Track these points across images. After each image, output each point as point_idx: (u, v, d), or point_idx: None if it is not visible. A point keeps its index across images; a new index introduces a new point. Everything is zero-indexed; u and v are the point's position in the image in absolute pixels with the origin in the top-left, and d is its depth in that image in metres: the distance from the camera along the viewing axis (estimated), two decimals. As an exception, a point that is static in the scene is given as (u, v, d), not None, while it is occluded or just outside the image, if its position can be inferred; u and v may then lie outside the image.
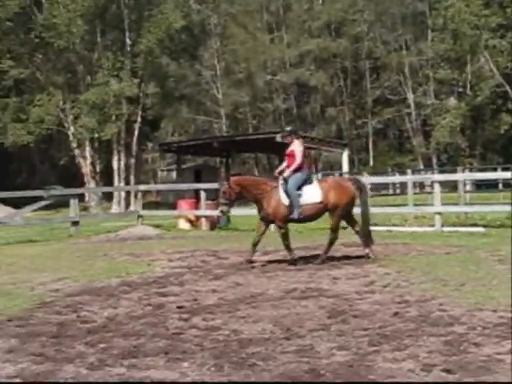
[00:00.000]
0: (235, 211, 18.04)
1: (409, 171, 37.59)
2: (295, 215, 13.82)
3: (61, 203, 31.77)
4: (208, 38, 64.08)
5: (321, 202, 13.84)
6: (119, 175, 45.76)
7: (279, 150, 53.65)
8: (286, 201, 13.73)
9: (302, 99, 74.04)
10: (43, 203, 25.39)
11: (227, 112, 71.85)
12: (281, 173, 14.20)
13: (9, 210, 32.57)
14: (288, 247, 13.95)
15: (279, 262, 14.30)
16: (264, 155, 72.14)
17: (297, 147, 14.23)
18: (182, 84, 53.99)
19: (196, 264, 14.40)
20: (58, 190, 26.61)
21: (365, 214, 14.76)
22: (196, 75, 64.23)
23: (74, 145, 45.94)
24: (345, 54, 70.37)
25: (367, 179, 32.50)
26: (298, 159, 14.00)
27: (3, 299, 10.61)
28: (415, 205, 24.84)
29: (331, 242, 14.28)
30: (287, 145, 14.63)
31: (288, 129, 15.72)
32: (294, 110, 73.18)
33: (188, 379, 6.16)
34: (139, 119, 46.28)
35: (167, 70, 45.88)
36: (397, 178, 37.19)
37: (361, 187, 14.71)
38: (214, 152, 55.82)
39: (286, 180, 13.88)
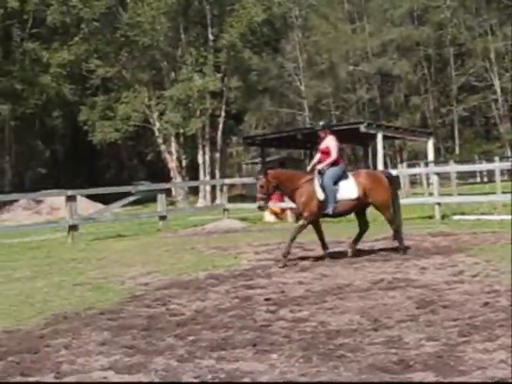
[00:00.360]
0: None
1: (496, 158, 36.94)
2: (330, 210, 13.39)
3: (148, 198, 32.28)
4: (290, 31, 63.97)
5: (357, 198, 13.48)
6: (204, 169, 46.11)
7: (363, 141, 53.61)
8: (321, 195, 13.28)
9: (385, 89, 73.20)
10: (131, 199, 25.85)
11: (310, 104, 71.58)
12: (313, 168, 13.78)
13: (98, 205, 33.20)
14: (293, 240, 13.35)
15: (367, 252, 14.21)
16: (348, 146, 71.75)
17: (331, 142, 13.86)
18: (264, 77, 54.01)
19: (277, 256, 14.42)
20: (145, 186, 26.99)
21: (397, 207, 14.24)
22: (278, 68, 64.19)
23: (160, 140, 46.49)
24: (428, 42, 69.19)
25: (454, 168, 32.17)
26: (334, 154, 13.65)
27: (95, 293, 10.84)
28: (503, 192, 24.36)
29: (398, 231, 13.98)
30: (319, 139, 14.24)
31: (321, 123, 14.93)
32: (377, 99, 72.39)
33: (277, 371, 6.18)
34: (223, 113, 46.50)
35: (250, 63, 45.88)
36: (484, 166, 36.51)
37: (392, 179, 14.38)
38: (297, 144, 55.75)
39: (321, 173, 13.48)
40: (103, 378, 6.25)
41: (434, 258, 12.69)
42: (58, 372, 6.51)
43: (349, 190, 13.38)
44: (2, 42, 53.52)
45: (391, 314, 8.23)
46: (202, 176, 46.06)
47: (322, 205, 13.26)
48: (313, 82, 70.79)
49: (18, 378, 6.44)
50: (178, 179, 45.25)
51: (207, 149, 46.23)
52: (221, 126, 46.82)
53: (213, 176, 45.66)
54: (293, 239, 13.27)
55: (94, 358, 6.94)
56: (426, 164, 41.74)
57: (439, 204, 21.99)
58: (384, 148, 48.53)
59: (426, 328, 7.50)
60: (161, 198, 24.73)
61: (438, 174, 25.18)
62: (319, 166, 13.55)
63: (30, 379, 6.39)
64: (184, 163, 47.20)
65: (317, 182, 13.30)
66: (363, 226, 14.00)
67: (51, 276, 13.48)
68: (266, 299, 9.64)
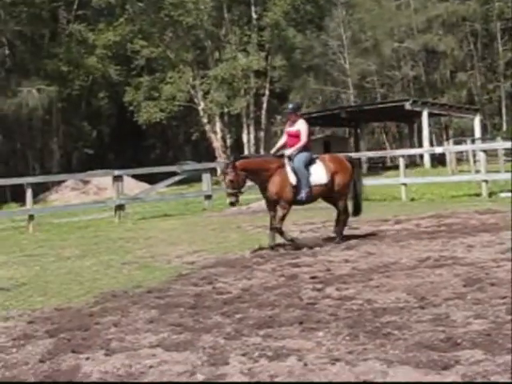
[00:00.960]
0: (366, 181, 17.93)
1: (545, 135, 36.34)
2: (303, 196, 12.69)
3: (194, 178, 32.37)
4: (334, 8, 63.40)
5: (326, 184, 12.89)
6: (249, 148, 46.11)
7: (409, 118, 53.28)
8: (293, 180, 12.52)
9: (430, 65, 72.42)
10: (176, 178, 26.02)
11: (354, 82, 71.12)
12: (278, 151, 13.21)
13: (144, 185, 33.43)
14: (280, 231, 12.59)
15: (411, 231, 14.13)
16: (393, 124, 71.29)
17: (302, 126, 13.04)
18: (308, 55, 53.71)
19: (328, 235, 14.39)
20: (191, 165, 27.14)
21: (359, 188, 13.82)
22: (323, 46, 63.74)
23: (205, 120, 46.57)
24: (474, 17, 68.13)
25: (501, 144, 31.76)
26: (304, 138, 12.88)
27: (142, 272, 10.95)
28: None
29: (344, 223, 13.54)
30: (289, 121, 13.37)
31: (291, 106, 14.04)
32: (422, 76, 71.78)
33: (323, 348, 6.18)
34: (267, 92, 46.44)
35: (294, 41, 45.65)
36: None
37: (354, 163, 13.90)
38: (342, 122, 55.76)
39: (290, 158, 12.70)
40: (152, 355, 6.31)
41: (481, 236, 12.58)
42: (107, 349, 6.59)
43: (319, 174, 12.82)
44: (48, 25, 53.97)
45: (438, 292, 8.19)
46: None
47: (296, 190, 12.60)
48: (357, 59, 70.32)
49: (69, 355, 6.53)
50: (223, 158, 45.30)
51: (252, 128, 46.25)
52: (265, 105, 46.77)
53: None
54: (280, 231, 12.56)
55: (142, 336, 7.02)
56: (473, 141, 41.26)
57: (486, 181, 21.80)
58: (430, 125, 48.28)
59: (473, 306, 7.44)
60: (206, 177, 24.86)
61: (484, 150, 24.92)
62: (289, 152, 12.82)
63: (81, 356, 6.48)
64: (228, 142, 47.28)
65: (288, 168, 12.58)
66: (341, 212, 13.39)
67: (99, 255, 13.66)
68: (312, 277, 9.64)
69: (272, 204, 12.74)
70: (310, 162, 12.79)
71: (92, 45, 51.50)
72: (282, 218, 12.54)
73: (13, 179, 27.46)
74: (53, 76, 50.06)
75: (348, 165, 13.48)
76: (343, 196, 13.26)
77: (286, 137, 13.21)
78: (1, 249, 16.36)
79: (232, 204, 12.70)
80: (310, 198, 13.02)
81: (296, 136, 12.91)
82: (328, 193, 13.13)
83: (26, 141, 53.20)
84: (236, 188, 12.31)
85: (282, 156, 12.79)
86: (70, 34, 52.37)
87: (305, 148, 12.91)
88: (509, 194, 20.77)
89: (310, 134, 13.58)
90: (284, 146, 13.14)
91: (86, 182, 39.49)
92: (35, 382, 5.86)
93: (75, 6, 52.93)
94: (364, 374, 5.42)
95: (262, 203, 24.77)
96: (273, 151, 13.42)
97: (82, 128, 55.59)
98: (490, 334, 6.28)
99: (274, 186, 12.42)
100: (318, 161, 13.05)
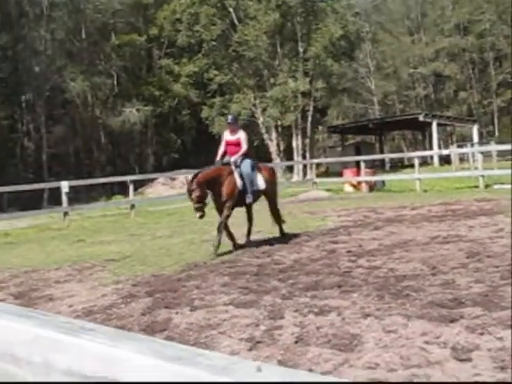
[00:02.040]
0: (389, 176, 17.90)
1: (529, 139, 35.47)
2: (251, 198, 11.02)
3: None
4: (362, 42, 62.95)
5: (264, 190, 11.36)
6: (297, 152, 46.05)
7: (421, 128, 52.54)
8: (240, 184, 10.80)
9: (438, 86, 71.73)
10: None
11: (379, 99, 71.03)
12: (222, 158, 11.17)
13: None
14: (220, 230, 10.66)
15: (424, 215, 13.97)
16: (409, 132, 70.45)
17: (243, 135, 11.19)
18: (343, 79, 53.38)
19: (359, 218, 14.31)
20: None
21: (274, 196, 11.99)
22: (354, 72, 63.33)
23: (263, 131, 46.62)
24: (472, 48, 67.27)
25: (494, 147, 31.20)
26: (245, 145, 11.06)
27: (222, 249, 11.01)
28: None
29: (280, 224, 11.94)
30: (231, 132, 11.33)
31: (230, 117, 11.82)
32: (432, 95, 71.37)
33: (357, 306, 6.16)
34: (311, 108, 46.27)
35: (331, 69, 45.38)
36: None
37: (274, 171, 12.54)
38: (369, 131, 55.19)
39: (236, 165, 10.91)
40: (225, 311, 6.37)
41: (479, 219, 12.40)
42: (191, 306, 6.68)
43: (260, 180, 11.20)
44: (144, 60, 54.81)
45: (446, 263, 8.10)
46: (295, 157, 46.00)
47: (242, 194, 10.90)
48: (381, 82, 70.28)
49: (163, 310, 6.64)
50: (278, 160, 45.25)
51: (299, 136, 46.14)
52: (309, 119, 46.61)
53: (304, 157, 45.58)
54: (221, 231, 10.65)
55: (217, 296, 7.08)
56: (472, 145, 40.72)
57: (483, 176, 21.47)
58: (438, 133, 47.47)
59: (474, 273, 7.36)
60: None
61: (481, 152, 24.56)
62: (233, 158, 10.93)
63: (172, 311, 6.58)
64: (282, 147, 47.23)
65: (236, 174, 10.82)
66: (251, 218, 11.56)
67: (184, 235, 13.80)
68: (348, 251, 9.61)
69: (220, 209, 10.87)
70: (254, 168, 11.13)
71: (177, 74, 52.09)
72: (226, 218, 10.72)
73: (119, 177, 27.90)
74: (148, 99, 50.86)
75: (275, 175, 12.45)
76: (274, 201, 11.80)
77: (225, 145, 11.28)
78: (111, 230, 16.67)
79: (201, 217, 10.55)
80: (255, 201, 11.36)
81: (236, 144, 11.12)
82: (264, 196, 11.62)
83: (128, 148, 54.12)
84: (202, 201, 10.46)
85: (229, 164, 10.92)
86: (161, 66, 53.13)
87: (246, 155, 11.14)
88: (501, 186, 20.41)
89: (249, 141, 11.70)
90: (224, 155, 11.22)
91: (173, 179, 39.86)
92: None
93: (165, 46, 53.56)
94: (389, 326, 5.41)
95: (308, 194, 24.87)
96: (217, 159, 11.18)
97: (170, 138, 56.17)
98: (487, 295, 6.21)
99: (226, 189, 10.61)
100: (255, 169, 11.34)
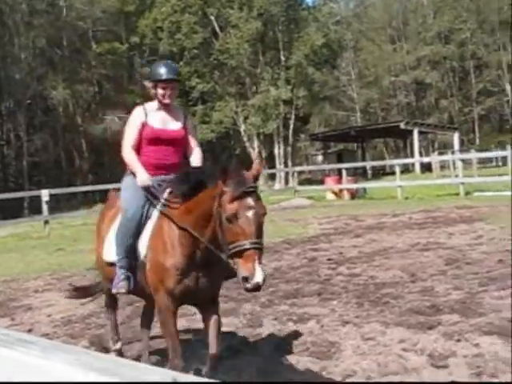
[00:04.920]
0: (370, 184, 17.92)
1: (508, 146, 35.84)
2: None
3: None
4: (344, 51, 63.32)
5: None
6: (279, 160, 46.16)
7: (403, 135, 52.80)
8: None
9: (419, 94, 72.26)
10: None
11: (361, 107, 71.37)
12: None
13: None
14: None
15: (405, 222, 14.05)
16: (391, 139, 70.90)
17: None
18: (324, 88, 53.58)
19: (340, 226, 14.37)
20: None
21: None
22: (335, 80, 63.62)
23: (245, 139, 46.67)
24: (453, 57, 67.86)
25: (474, 155, 31.47)
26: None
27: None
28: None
29: None
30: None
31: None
32: (413, 103, 71.89)
33: (336, 314, 6.19)
34: (293, 116, 46.37)
35: (313, 77, 45.56)
36: (498, 153, 35.35)
37: None
38: (351, 139, 55.40)
39: None
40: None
41: (459, 226, 12.51)
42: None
43: None
44: (126, 68, 54.71)
45: (425, 270, 8.17)
46: (277, 165, 46.09)
47: None
48: (362, 90, 70.60)
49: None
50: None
51: (281, 144, 46.24)
52: (291, 126, 46.72)
53: (286, 165, 45.67)
54: None
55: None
56: (453, 152, 41.05)
57: (463, 183, 21.64)
58: (419, 141, 47.76)
59: (452, 280, 7.43)
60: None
61: (462, 160, 24.77)
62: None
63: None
64: (263, 155, 47.30)
65: None
66: None
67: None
68: (328, 259, 9.65)
69: None
70: None
71: (159, 82, 52.02)
72: None
73: (100, 185, 27.73)
74: (130, 107, 50.54)
75: None
76: None
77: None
78: (92, 238, 16.52)
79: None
80: None
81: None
82: None
83: (110, 156, 53.82)
84: None
85: None
86: (143, 74, 52.99)
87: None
88: (481, 193, 20.59)
89: None
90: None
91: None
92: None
93: (146, 54, 53.53)
94: (367, 333, 5.44)
95: (290, 202, 24.90)
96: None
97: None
98: (465, 301, 6.27)
99: None
100: None
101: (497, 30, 65.35)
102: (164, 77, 4.92)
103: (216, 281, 4.24)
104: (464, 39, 66.79)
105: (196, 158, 5.04)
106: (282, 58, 45.26)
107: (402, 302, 6.55)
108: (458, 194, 21.19)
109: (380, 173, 50.10)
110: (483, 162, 43.04)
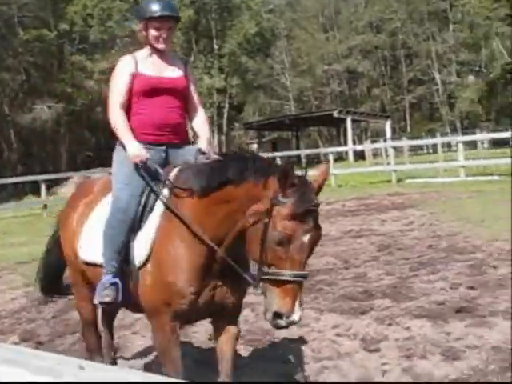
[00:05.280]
0: (304, 172, 18.09)
1: (438, 134, 36.77)
2: None
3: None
4: (277, 39, 63.60)
5: None
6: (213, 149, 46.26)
7: (336, 124, 53.49)
8: None
9: (352, 83, 73.35)
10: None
11: (294, 96, 71.82)
12: None
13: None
14: None
15: (338, 210, 14.24)
16: (325, 128, 71.68)
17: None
18: (258, 76, 53.75)
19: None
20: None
21: None
22: (269, 68, 63.86)
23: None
24: (384, 46, 69.10)
25: (406, 142, 32.19)
26: None
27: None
28: (444, 161, 24.44)
29: None
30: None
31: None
32: (346, 91, 72.86)
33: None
34: (227, 105, 46.43)
35: (246, 66, 45.68)
36: (429, 141, 36.29)
37: None
38: (286, 127, 55.72)
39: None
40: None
41: (391, 213, 12.77)
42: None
43: None
44: (56, 56, 53.37)
45: (358, 256, 8.31)
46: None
47: None
48: (296, 78, 71.09)
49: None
50: (194, 157, 45.24)
51: (215, 133, 46.18)
52: (225, 115, 46.76)
53: (221, 154, 45.81)
54: None
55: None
56: (385, 140, 41.86)
57: (395, 171, 22.05)
58: (352, 129, 48.50)
59: (384, 266, 7.58)
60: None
61: (394, 147, 25.28)
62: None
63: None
64: (198, 144, 47.22)
65: None
66: None
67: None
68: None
69: None
70: None
71: (90, 71, 50.94)
72: None
73: (30, 176, 27.08)
74: (60, 96, 49.51)
75: None
76: None
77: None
78: (22, 231, 16.14)
79: None
80: None
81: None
82: None
83: (40, 146, 52.61)
84: None
85: None
86: (73, 63, 51.80)
87: None
88: (412, 180, 21.07)
89: None
90: None
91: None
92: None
93: (77, 42, 52.36)
94: (302, 320, 5.48)
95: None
96: None
97: (84, 136, 55.02)
98: (396, 286, 6.41)
99: None
100: None
101: (426, 20, 66.87)
102: (158, 13, 3.67)
103: (238, 288, 3.41)
104: (394, 29, 68.03)
105: (200, 122, 4.19)
106: (215, 47, 45.15)
107: (336, 288, 6.64)
108: (390, 181, 21.60)
109: (314, 161, 50.64)
110: (414, 149, 44.06)
